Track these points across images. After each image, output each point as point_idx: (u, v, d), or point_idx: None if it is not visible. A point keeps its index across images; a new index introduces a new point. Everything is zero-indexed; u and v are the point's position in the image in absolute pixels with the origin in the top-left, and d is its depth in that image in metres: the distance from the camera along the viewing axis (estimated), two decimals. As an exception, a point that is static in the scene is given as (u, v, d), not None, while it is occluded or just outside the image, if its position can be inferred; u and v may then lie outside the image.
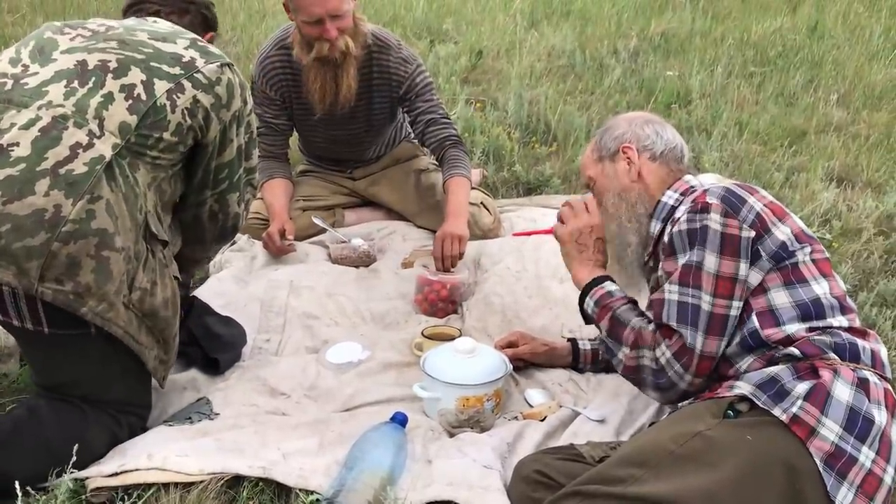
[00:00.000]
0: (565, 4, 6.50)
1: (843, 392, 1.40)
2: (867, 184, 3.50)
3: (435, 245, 2.63)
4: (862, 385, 1.43)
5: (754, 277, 1.57)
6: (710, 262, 1.56)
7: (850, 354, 1.48)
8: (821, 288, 1.56)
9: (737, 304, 1.56)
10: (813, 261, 1.59)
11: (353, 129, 2.94)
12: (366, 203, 3.15)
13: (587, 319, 1.83)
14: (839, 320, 1.54)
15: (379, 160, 3.12)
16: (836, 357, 1.47)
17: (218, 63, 1.84)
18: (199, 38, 1.92)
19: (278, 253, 2.75)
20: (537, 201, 3.28)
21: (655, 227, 1.77)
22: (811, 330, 1.52)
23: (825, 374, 1.42)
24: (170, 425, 1.87)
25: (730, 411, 1.42)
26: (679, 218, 1.64)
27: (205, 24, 2.13)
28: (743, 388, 1.45)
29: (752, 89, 4.68)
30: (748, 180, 3.39)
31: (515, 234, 2.91)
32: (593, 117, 4.02)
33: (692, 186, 1.76)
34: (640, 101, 4.37)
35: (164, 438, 1.79)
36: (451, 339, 2.24)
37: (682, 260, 1.60)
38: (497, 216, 3.01)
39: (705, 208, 1.58)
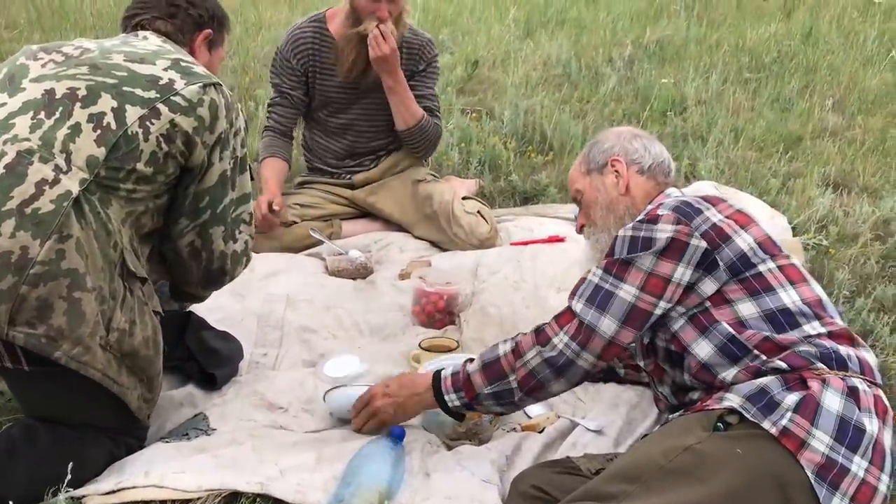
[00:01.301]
0: (560, 14, 6.52)
1: (833, 402, 1.39)
2: (863, 189, 3.50)
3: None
4: (852, 393, 1.42)
5: (708, 286, 1.57)
6: (645, 260, 1.57)
7: (838, 363, 1.47)
8: (789, 296, 1.55)
9: (663, 305, 1.56)
10: (779, 267, 1.58)
11: (370, 102, 3.00)
12: (363, 214, 3.15)
13: (461, 409, 1.74)
14: (814, 326, 1.53)
15: (378, 164, 3.13)
16: (824, 366, 1.45)
17: (200, 84, 1.73)
18: (184, 56, 1.82)
19: (263, 223, 2.75)
20: (534, 210, 3.29)
21: None
22: (787, 341, 1.50)
23: (814, 385, 1.41)
24: (167, 442, 1.86)
25: (719, 424, 1.41)
26: (628, 224, 1.65)
27: (196, 24, 1.99)
28: (732, 400, 1.44)
29: (747, 95, 4.69)
30: (744, 187, 3.39)
31: (513, 244, 2.92)
32: (589, 126, 4.02)
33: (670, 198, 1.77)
34: (636, 109, 4.37)
35: (162, 455, 1.78)
36: (449, 350, 2.24)
37: (614, 256, 1.62)
38: (494, 226, 3.01)
39: (653, 219, 1.60)
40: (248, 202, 1.91)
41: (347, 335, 2.42)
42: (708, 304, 1.57)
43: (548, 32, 5.94)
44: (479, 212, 2.99)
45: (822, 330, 1.53)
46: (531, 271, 2.66)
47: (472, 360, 1.73)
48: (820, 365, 1.45)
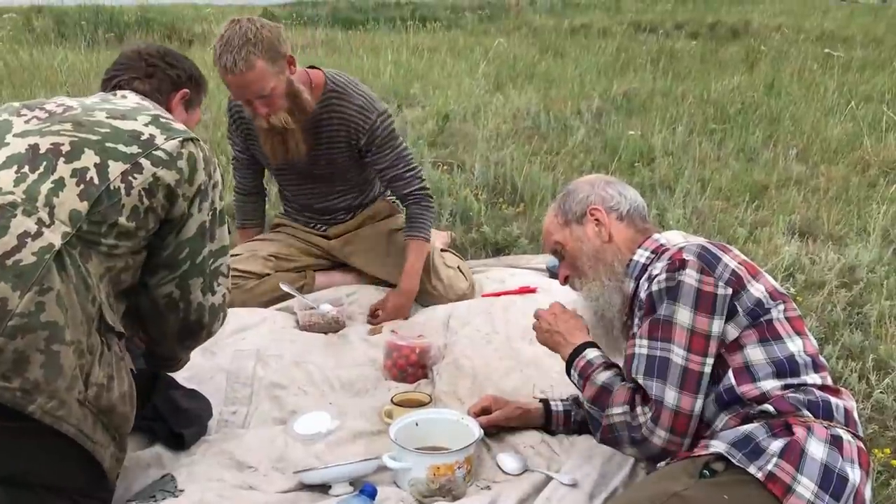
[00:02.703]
0: (529, 68, 6.66)
1: (816, 449, 1.41)
2: (828, 236, 3.56)
3: (384, 300, 2.78)
4: (835, 443, 1.43)
5: (731, 333, 1.58)
6: (684, 316, 1.57)
7: (824, 412, 1.49)
8: (794, 346, 1.58)
9: (710, 362, 1.56)
10: (787, 318, 1.61)
11: (317, 173, 2.92)
12: (337, 265, 3.12)
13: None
14: (812, 378, 1.56)
15: (354, 217, 3.06)
16: (810, 414, 1.47)
17: (179, 138, 1.77)
18: (163, 113, 1.86)
19: None
20: (506, 261, 3.30)
21: (629, 285, 1.78)
22: (786, 387, 1.53)
23: (799, 431, 1.42)
24: (133, 505, 1.82)
25: (706, 471, 1.42)
26: (657, 276, 1.65)
27: (173, 84, 2.03)
28: (718, 446, 1.45)
29: (713, 146, 4.79)
30: (712, 236, 3.44)
31: (484, 296, 2.92)
32: (559, 177, 4.08)
33: (662, 244, 1.78)
34: (605, 160, 4.45)
35: (127, 519, 1.74)
36: (422, 405, 2.22)
37: (652, 314, 1.62)
38: (472, 281, 3.01)
39: (682, 265, 1.60)
40: (225, 254, 1.93)
41: (318, 391, 2.39)
42: (723, 350, 1.58)
43: (517, 86, 6.06)
44: (458, 266, 2.98)
45: (819, 381, 1.56)
46: (503, 323, 2.65)
47: (609, 365, 1.76)
48: (806, 413, 1.47)
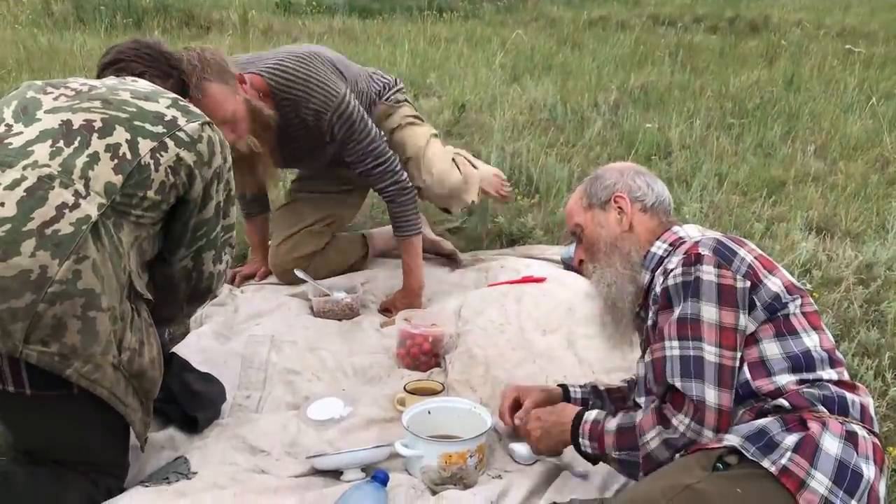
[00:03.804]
0: (546, 59, 6.62)
1: (831, 445, 1.40)
2: (846, 233, 3.53)
3: (393, 299, 2.81)
4: (850, 438, 1.42)
5: (749, 327, 1.57)
6: (710, 312, 1.55)
7: (839, 408, 1.48)
8: (811, 340, 1.57)
9: (738, 356, 1.55)
10: (803, 313, 1.59)
11: (314, 165, 2.92)
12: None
13: (594, 459, 1.79)
14: (828, 373, 1.54)
15: None
16: (825, 410, 1.46)
17: (199, 122, 1.86)
18: (179, 97, 1.93)
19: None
20: (521, 252, 3.30)
21: (645, 277, 1.77)
22: (801, 382, 1.52)
23: (813, 426, 1.41)
24: (146, 486, 1.83)
25: (719, 464, 1.41)
26: (672, 270, 1.63)
27: (183, 92, 2.13)
28: (732, 440, 1.44)
29: (730, 141, 4.75)
30: (729, 231, 3.42)
31: (491, 285, 2.91)
32: (574, 169, 4.06)
33: (680, 237, 1.77)
34: (621, 153, 4.42)
35: (141, 500, 1.75)
36: (434, 393, 2.22)
37: (676, 313, 1.59)
38: (470, 177, 2.87)
39: (698, 259, 1.59)
40: (234, 228, 2.05)
41: (332, 377, 2.40)
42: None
43: (534, 77, 6.03)
44: (453, 159, 2.85)
45: (835, 377, 1.54)
46: (516, 314, 2.65)
47: (619, 409, 1.74)
48: (821, 408, 1.46)
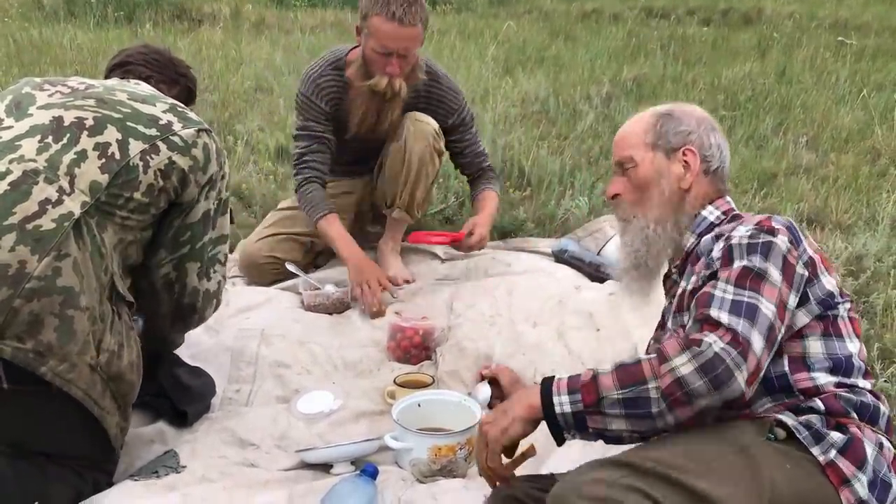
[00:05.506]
0: (539, 52, 6.61)
1: (871, 453, 1.37)
2: (836, 225, 3.54)
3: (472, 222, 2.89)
4: (881, 448, 1.40)
5: (801, 319, 1.46)
6: (775, 276, 1.40)
7: (871, 418, 1.44)
8: (854, 347, 1.50)
9: (782, 336, 1.41)
10: (850, 318, 1.52)
11: (381, 143, 2.96)
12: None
13: (570, 420, 1.36)
14: (863, 383, 1.49)
15: None
16: (857, 417, 1.42)
17: (195, 128, 1.86)
18: (179, 104, 1.92)
19: (373, 307, 2.68)
20: (512, 245, 3.29)
21: (689, 240, 1.65)
22: (839, 385, 1.46)
23: (856, 431, 1.38)
24: (136, 480, 1.83)
25: (770, 434, 1.34)
26: (737, 235, 1.49)
27: (188, 100, 2.15)
28: (785, 418, 1.37)
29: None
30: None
31: (414, 241, 2.93)
32: (566, 162, 4.05)
33: (734, 209, 1.67)
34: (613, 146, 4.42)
35: (130, 494, 1.75)
36: (425, 386, 2.23)
37: (741, 262, 1.42)
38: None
39: (771, 231, 1.46)
40: (225, 243, 2.01)
41: (322, 371, 2.40)
42: (785, 339, 1.45)
43: (526, 70, 6.02)
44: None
45: (869, 386, 1.50)
46: (507, 306, 2.65)
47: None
48: (854, 415, 1.42)
